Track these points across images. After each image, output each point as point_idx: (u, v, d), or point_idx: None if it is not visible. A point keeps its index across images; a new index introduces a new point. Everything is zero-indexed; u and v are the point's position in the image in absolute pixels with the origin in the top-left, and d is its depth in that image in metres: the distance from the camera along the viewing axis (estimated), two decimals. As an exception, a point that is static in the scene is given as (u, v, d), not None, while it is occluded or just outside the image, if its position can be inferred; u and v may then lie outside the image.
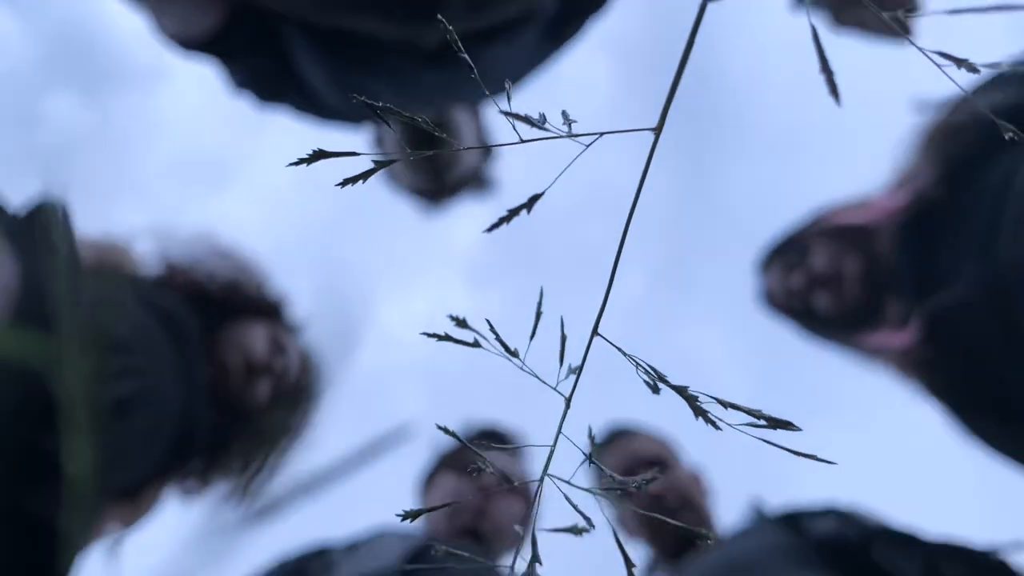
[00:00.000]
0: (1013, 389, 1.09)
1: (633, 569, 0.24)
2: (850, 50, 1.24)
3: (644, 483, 0.24)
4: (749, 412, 0.24)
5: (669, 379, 0.27)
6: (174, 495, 1.23)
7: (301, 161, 0.26)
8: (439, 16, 0.29)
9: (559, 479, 0.25)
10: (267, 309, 1.32)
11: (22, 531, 0.70)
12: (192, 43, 1.06)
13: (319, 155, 0.26)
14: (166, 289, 1.21)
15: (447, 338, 0.27)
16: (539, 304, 0.26)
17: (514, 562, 0.25)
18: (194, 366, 1.14)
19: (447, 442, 1.43)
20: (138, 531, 1.13)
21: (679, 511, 1.34)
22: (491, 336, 0.27)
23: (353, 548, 1.11)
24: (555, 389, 0.26)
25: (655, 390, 0.24)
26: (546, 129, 0.27)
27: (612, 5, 1.18)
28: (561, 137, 0.27)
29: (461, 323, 0.25)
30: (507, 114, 0.27)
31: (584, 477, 0.27)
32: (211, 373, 1.19)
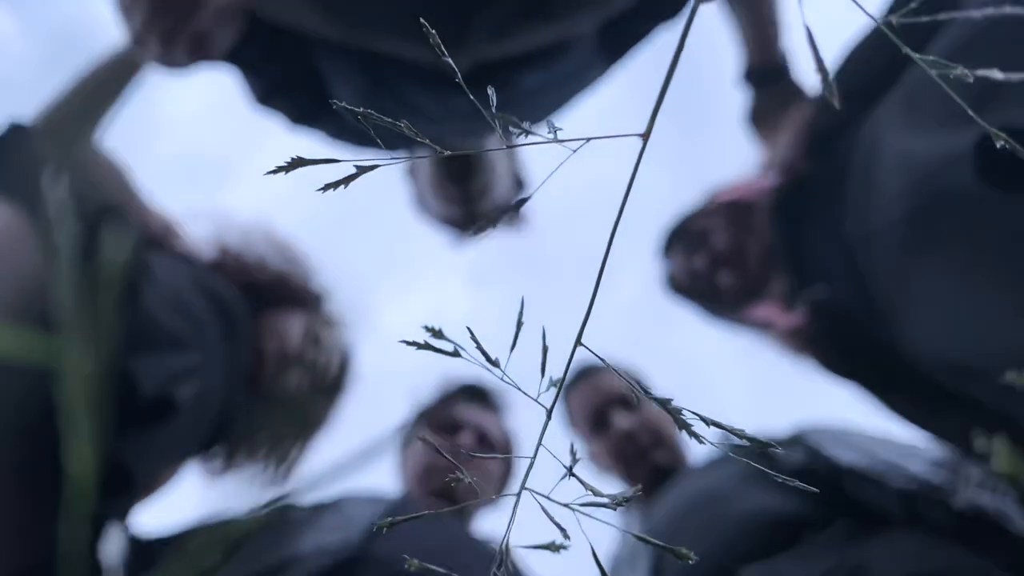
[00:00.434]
0: (890, 364, 1.09)
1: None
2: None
3: (623, 499, 0.23)
4: (732, 431, 0.23)
5: (657, 386, 0.26)
6: (196, 475, 1.24)
7: (280, 169, 0.25)
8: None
9: (537, 493, 0.24)
10: (308, 301, 1.33)
11: (23, 531, 0.70)
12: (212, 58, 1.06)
13: (298, 163, 0.25)
14: (219, 273, 1.22)
15: (426, 347, 0.26)
16: (520, 314, 0.25)
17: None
18: (239, 354, 1.15)
19: (428, 399, 1.43)
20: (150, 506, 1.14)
21: (652, 448, 1.33)
22: (472, 345, 0.26)
23: (319, 509, 1.07)
24: (536, 400, 0.26)
25: (636, 403, 0.23)
26: (533, 133, 0.27)
27: (682, 11, 1.12)
28: (548, 143, 0.27)
29: (437, 334, 0.25)
30: (494, 117, 0.27)
31: (563, 491, 0.26)
32: (249, 359, 1.20)
